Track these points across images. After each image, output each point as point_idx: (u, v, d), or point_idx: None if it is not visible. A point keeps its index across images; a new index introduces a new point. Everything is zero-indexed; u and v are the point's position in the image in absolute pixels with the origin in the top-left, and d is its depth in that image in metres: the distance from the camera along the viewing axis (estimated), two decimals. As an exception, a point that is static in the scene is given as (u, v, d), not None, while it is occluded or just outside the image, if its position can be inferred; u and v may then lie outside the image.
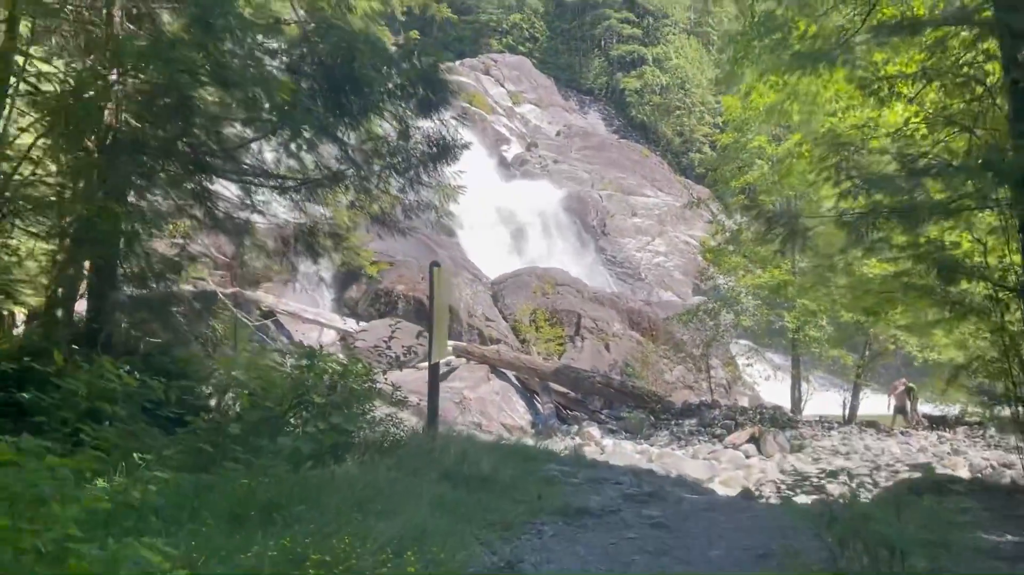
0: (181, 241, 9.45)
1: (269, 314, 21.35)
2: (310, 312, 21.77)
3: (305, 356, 5.59)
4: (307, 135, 7.12)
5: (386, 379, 7.62)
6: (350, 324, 22.42)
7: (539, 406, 20.58)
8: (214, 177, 8.19)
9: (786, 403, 21.60)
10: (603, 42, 67.06)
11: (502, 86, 60.59)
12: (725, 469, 14.50)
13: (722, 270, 19.73)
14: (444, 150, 7.83)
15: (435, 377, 6.79)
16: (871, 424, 18.29)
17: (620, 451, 16.17)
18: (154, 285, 8.02)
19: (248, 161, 7.99)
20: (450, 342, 22.27)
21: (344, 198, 8.65)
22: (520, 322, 24.77)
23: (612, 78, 65.76)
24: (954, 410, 18.91)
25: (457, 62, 60.17)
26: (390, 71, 7.03)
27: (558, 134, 56.99)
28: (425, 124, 8.10)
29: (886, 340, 16.89)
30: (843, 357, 16.76)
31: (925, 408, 19.85)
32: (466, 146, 8.69)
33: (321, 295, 26.73)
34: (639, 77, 64.24)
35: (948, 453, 14.64)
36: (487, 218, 39.21)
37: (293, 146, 7.48)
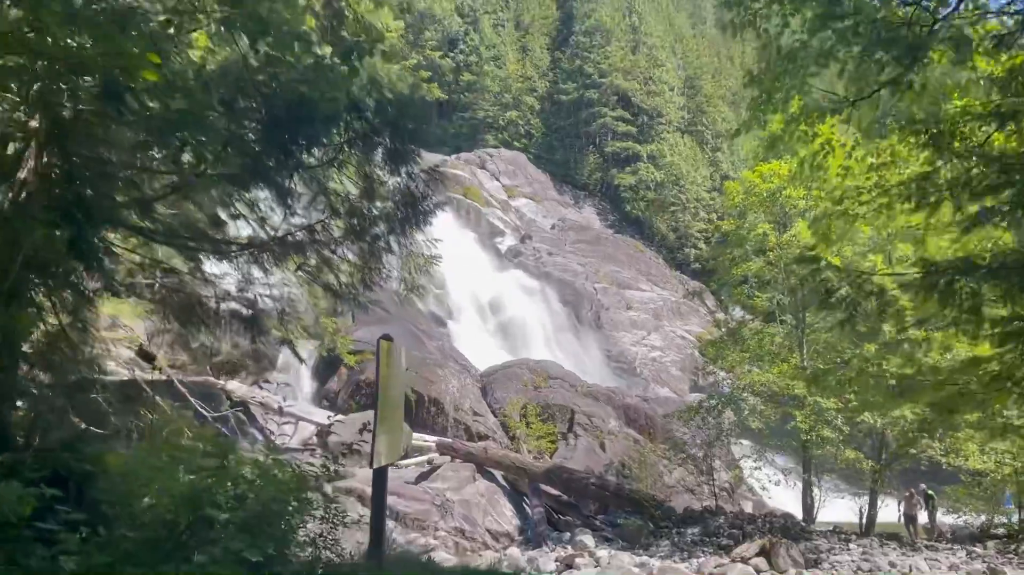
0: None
1: (239, 405, 19.88)
2: (284, 404, 20.31)
3: (215, 454, 4.32)
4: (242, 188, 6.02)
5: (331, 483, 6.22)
6: (326, 417, 20.93)
7: (528, 510, 18.92)
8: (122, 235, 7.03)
9: (796, 510, 20.00)
10: (598, 139, 67.78)
11: (497, 180, 60.74)
12: (735, 588, 12.90)
13: (722, 366, 18.52)
14: (414, 211, 6.72)
15: (381, 487, 5.27)
16: (892, 536, 16.69)
17: (617, 564, 14.53)
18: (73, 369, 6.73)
19: (170, 217, 6.85)
20: (434, 438, 20.82)
21: (292, 267, 7.44)
22: (510, 417, 23.33)
23: (607, 174, 66.16)
24: (976, 519, 17.41)
25: (453, 156, 60.55)
26: (350, 117, 5.98)
27: (553, 227, 56.74)
28: (393, 180, 7.02)
29: (905, 444, 15.56)
30: (860, 461, 15.37)
31: (946, 519, 18.34)
32: (440, 206, 7.57)
33: (300, 386, 25.36)
34: (634, 173, 64.63)
35: (984, 573, 13.08)
36: (479, 309, 38.26)
37: (223, 198, 6.37)
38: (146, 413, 10.17)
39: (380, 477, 4.83)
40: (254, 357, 26.56)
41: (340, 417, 20.96)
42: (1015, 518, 17.56)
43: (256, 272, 7.17)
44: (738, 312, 21.72)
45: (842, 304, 6.72)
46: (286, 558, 3.87)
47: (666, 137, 66.50)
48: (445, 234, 38.76)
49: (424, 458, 18.99)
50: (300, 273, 7.33)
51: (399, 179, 6.73)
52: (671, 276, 54.75)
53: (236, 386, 19.88)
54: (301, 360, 22.94)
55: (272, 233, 6.89)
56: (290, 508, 4.18)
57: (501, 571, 8.46)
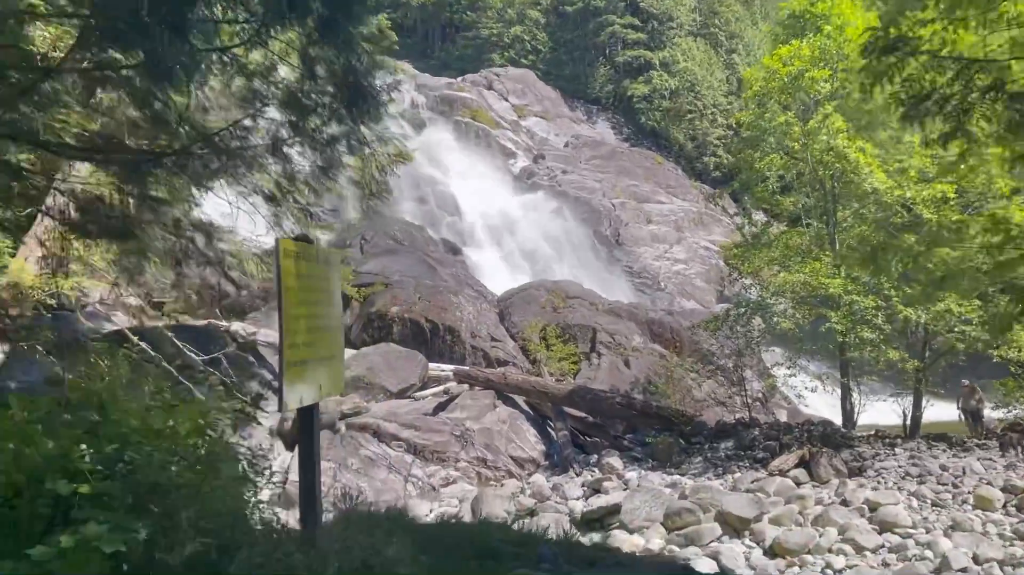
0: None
1: (246, 346, 19.15)
2: (292, 342, 19.53)
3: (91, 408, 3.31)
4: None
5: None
6: (339, 353, 20.16)
7: (553, 434, 18.18)
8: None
9: (834, 417, 19.08)
10: (607, 49, 65.10)
11: (506, 100, 58.69)
12: (774, 503, 12.05)
13: (747, 270, 17.31)
14: (361, 96, 5.51)
15: (309, 433, 3.65)
16: (940, 437, 15.72)
17: (647, 485, 13.74)
18: None
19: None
20: (450, 367, 20.03)
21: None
22: (529, 340, 22.45)
23: (619, 86, 63.69)
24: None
25: (459, 78, 58.47)
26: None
27: (566, 145, 54.90)
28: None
29: (952, 337, 14.41)
30: (903, 360, 14.27)
31: (994, 414, 17.29)
32: (395, 86, 6.38)
33: (312, 323, 24.58)
34: (647, 83, 62.10)
35: (1046, 471, 12.13)
36: (494, 234, 37.16)
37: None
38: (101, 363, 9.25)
39: (307, 419, 3.64)
40: (262, 297, 25.88)
41: (353, 352, 20.18)
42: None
43: (194, 191, 6.05)
44: (761, 218, 20.39)
45: (943, 106, 4.91)
46: (177, 540, 2.88)
47: (678, 42, 63.63)
48: (454, 159, 37.58)
49: (441, 388, 18.22)
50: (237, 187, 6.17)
51: (336, 58, 5.42)
52: (691, 187, 52.95)
53: (240, 327, 19.07)
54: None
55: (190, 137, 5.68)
56: (189, 474, 3.16)
57: (491, 522, 7.48)
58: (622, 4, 63.66)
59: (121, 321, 23.89)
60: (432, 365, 20.13)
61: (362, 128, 5.90)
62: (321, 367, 3.73)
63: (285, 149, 5.98)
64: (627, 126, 63.53)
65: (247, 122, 5.37)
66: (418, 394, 18.34)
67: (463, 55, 68.03)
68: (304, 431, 3.73)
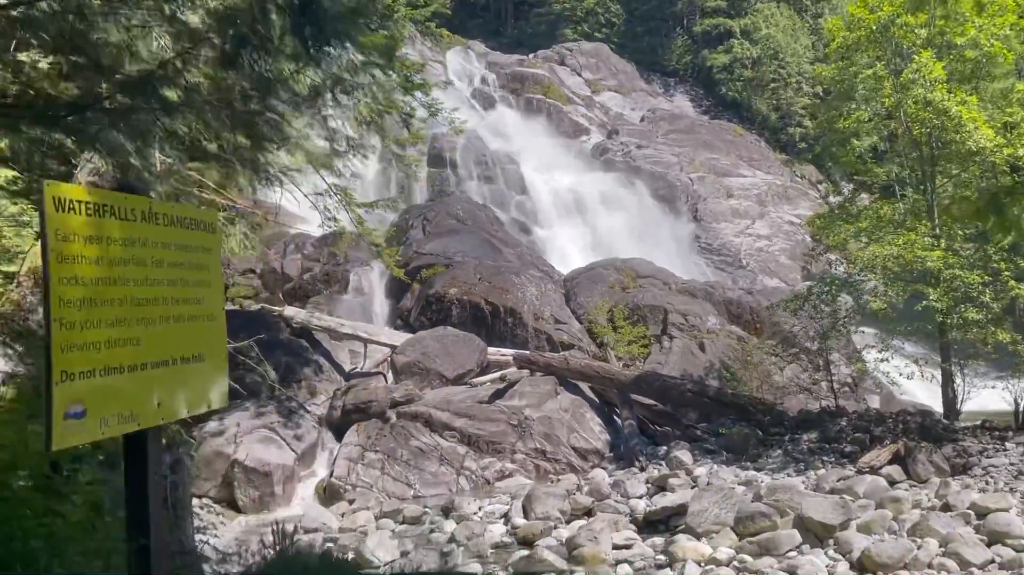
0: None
1: (302, 331, 18.61)
2: (347, 325, 18.88)
3: None
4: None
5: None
6: (397, 336, 19.41)
7: (619, 423, 17.00)
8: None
9: (934, 404, 17.25)
10: (685, 19, 62.49)
11: (579, 75, 57.05)
12: (864, 507, 10.59)
13: (833, 243, 15.59)
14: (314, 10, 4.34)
15: (141, 472, 2.53)
16: (1057, 429, 13.83)
17: (718, 483, 12.43)
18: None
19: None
20: (510, 351, 19.02)
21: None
22: (596, 322, 21.23)
23: (697, 56, 61.05)
24: None
25: (530, 55, 57.16)
26: None
27: (642, 120, 52.91)
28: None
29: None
30: (1014, 342, 12.45)
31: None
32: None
33: (372, 307, 24.02)
34: (727, 52, 59.26)
35: None
36: (565, 212, 35.94)
37: None
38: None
39: (136, 452, 2.47)
40: (325, 280, 25.46)
41: (410, 336, 19.41)
42: None
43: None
44: (849, 187, 18.48)
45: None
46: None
47: (760, 8, 60.45)
48: (524, 137, 36.48)
49: (498, 374, 17.23)
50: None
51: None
52: (776, 159, 50.28)
53: (294, 312, 18.55)
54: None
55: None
56: None
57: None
58: (700, -30, 60.90)
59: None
60: (492, 349, 19.17)
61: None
62: (167, 375, 2.71)
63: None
64: (707, 98, 60.90)
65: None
66: (475, 380, 17.41)
67: (536, 31, 66.48)
68: (133, 468, 2.66)
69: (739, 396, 16.46)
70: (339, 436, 15.42)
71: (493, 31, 70.28)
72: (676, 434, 16.82)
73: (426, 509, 12.57)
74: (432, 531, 11.51)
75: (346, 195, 13.60)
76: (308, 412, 15.91)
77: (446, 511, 12.26)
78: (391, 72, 11.24)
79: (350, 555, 10.41)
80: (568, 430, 16.20)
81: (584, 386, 18.04)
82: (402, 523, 12.10)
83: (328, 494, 13.89)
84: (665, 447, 15.58)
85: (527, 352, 18.27)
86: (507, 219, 32.98)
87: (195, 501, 13.98)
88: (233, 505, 13.91)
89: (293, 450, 14.63)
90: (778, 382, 18.18)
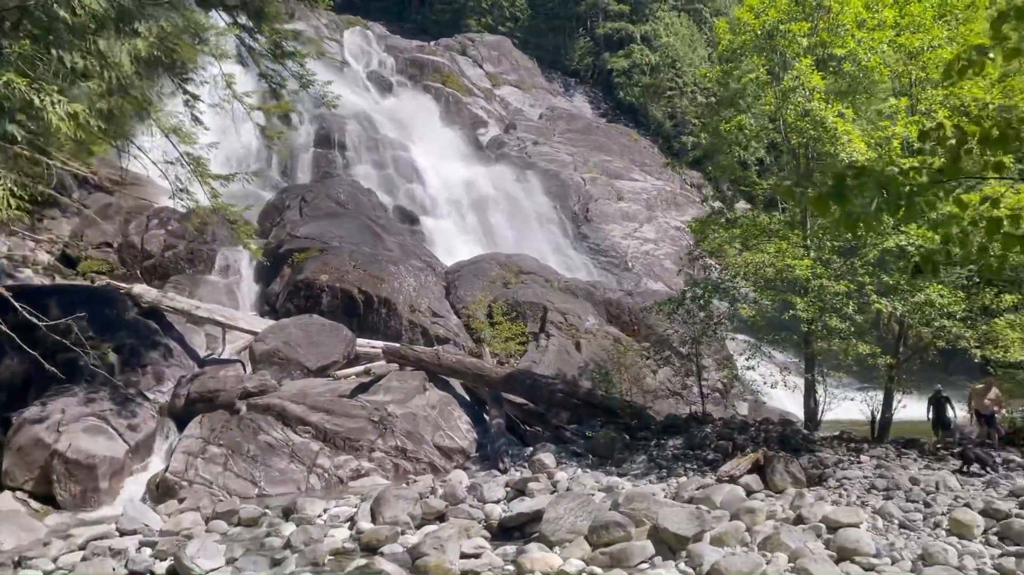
0: None
1: (153, 312, 17.13)
2: (203, 308, 17.54)
3: None
4: None
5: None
6: (258, 323, 18.20)
7: (489, 422, 16.41)
8: None
9: (800, 411, 17.49)
10: (588, 20, 62.86)
11: (480, 67, 56.42)
12: (719, 518, 10.34)
13: (708, 248, 15.52)
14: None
15: None
16: (911, 443, 14.12)
17: (579, 488, 12.01)
18: None
19: None
20: (380, 343, 18.17)
21: None
22: (474, 317, 20.63)
23: (598, 58, 61.55)
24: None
25: (431, 42, 56.10)
26: None
27: (540, 117, 52.81)
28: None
29: (929, 333, 12.77)
30: (874, 354, 12.59)
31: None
32: None
33: (240, 290, 22.61)
34: (627, 56, 60.01)
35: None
36: (456, 203, 35.21)
37: None
38: None
39: None
40: (188, 259, 23.82)
41: (273, 323, 18.22)
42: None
43: None
44: (741, 205, 18.52)
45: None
46: None
47: (661, 16, 61.50)
48: (420, 124, 35.35)
49: (362, 368, 16.32)
50: None
51: None
52: (670, 168, 51.08)
53: (144, 290, 17.04)
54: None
55: None
56: None
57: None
58: (605, -27, 61.36)
59: (24, 277, 21.75)
60: (361, 341, 18.25)
61: None
62: None
63: None
64: (605, 101, 61.53)
65: None
66: (339, 373, 16.46)
67: (439, 19, 65.40)
68: None
69: (609, 398, 16.18)
70: (182, 427, 14.17)
71: (396, 15, 68.68)
72: (546, 435, 16.39)
73: (266, 510, 11.58)
74: (268, 535, 10.55)
75: (198, 165, 12.44)
76: (148, 400, 14.58)
77: (287, 513, 11.31)
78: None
79: (167, 562, 9.37)
80: (433, 428, 15.48)
81: (456, 383, 17.39)
82: (236, 525, 11.08)
83: (162, 491, 12.68)
84: (532, 448, 15.12)
85: (397, 345, 17.45)
86: (393, 207, 31.97)
87: (7, 494, 12.51)
88: (52, 500, 12.52)
89: (126, 441, 13.30)
90: (650, 385, 18.06)
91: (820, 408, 15.03)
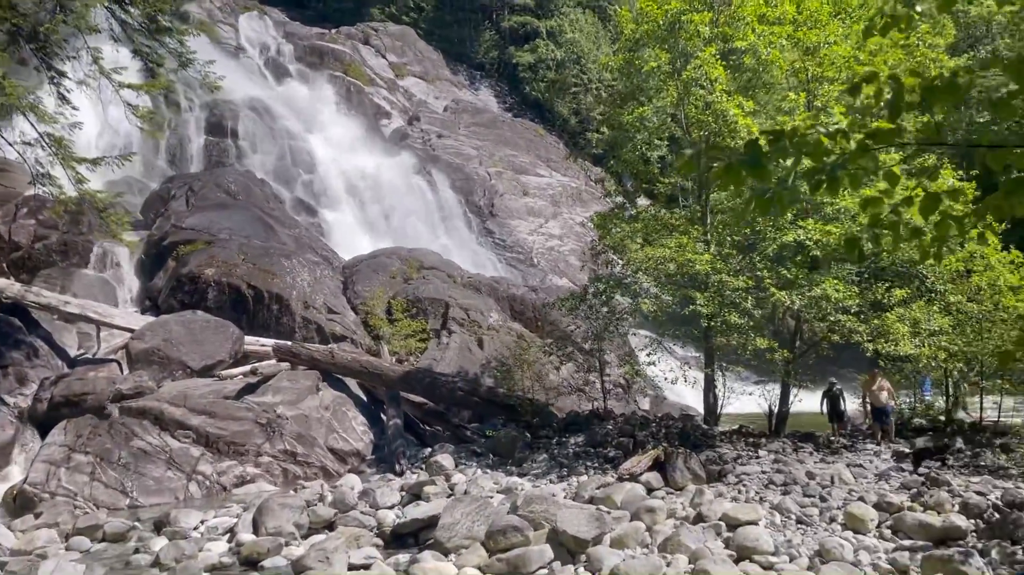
0: None
1: (15, 308, 15.67)
2: (73, 304, 16.18)
3: None
4: None
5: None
6: (136, 320, 16.93)
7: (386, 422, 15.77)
8: None
9: (699, 407, 17.56)
10: (494, 13, 62.45)
11: (383, 57, 55.17)
12: (620, 518, 10.07)
13: (610, 243, 15.29)
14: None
15: None
16: (807, 437, 14.28)
17: (476, 491, 11.55)
18: None
19: None
20: (271, 341, 17.24)
21: None
22: (373, 314, 19.87)
23: (504, 52, 61.20)
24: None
25: (333, 30, 54.48)
26: None
27: (445, 110, 52.04)
28: None
29: (824, 327, 12.90)
30: (772, 349, 12.60)
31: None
32: None
33: (121, 285, 21.10)
34: (532, 51, 59.91)
35: (923, 484, 10.64)
36: (356, 196, 34.20)
37: None
38: None
39: None
40: (62, 252, 22.09)
41: (151, 319, 17.00)
42: (937, 407, 15.49)
43: None
44: (642, 201, 18.40)
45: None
46: None
47: (567, 12, 61.73)
48: (319, 114, 34.03)
49: (248, 368, 15.39)
50: None
51: None
52: (572, 162, 51.27)
53: (5, 284, 15.58)
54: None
55: None
56: None
57: None
58: (510, -33, 61.05)
59: None
60: (250, 339, 17.27)
61: None
62: None
63: None
64: (511, 95, 61.27)
65: None
66: (224, 373, 15.48)
67: (341, 7, 63.62)
68: None
69: (510, 396, 15.79)
70: (45, 434, 12.95)
71: (295, 2, 66.53)
72: (446, 435, 15.91)
73: (136, 523, 10.63)
74: (136, 551, 9.64)
75: (60, 146, 11.29)
76: (7, 405, 13.26)
77: (159, 526, 10.40)
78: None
79: (14, 588, 8.37)
80: (327, 430, 14.74)
81: (353, 383, 16.66)
82: (101, 541, 10.10)
83: (19, 504, 11.52)
84: (431, 449, 14.57)
85: (289, 343, 16.55)
86: (291, 198, 30.75)
87: None
88: None
89: (-22, 451, 12.04)
90: (553, 382, 17.77)
91: (720, 403, 15.05)
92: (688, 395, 22.19)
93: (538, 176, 45.79)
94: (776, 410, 14.83)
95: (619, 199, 17.10)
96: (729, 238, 13.51)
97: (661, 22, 12.97)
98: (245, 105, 34.32)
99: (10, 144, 11.41)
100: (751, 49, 12.77)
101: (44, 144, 11.34)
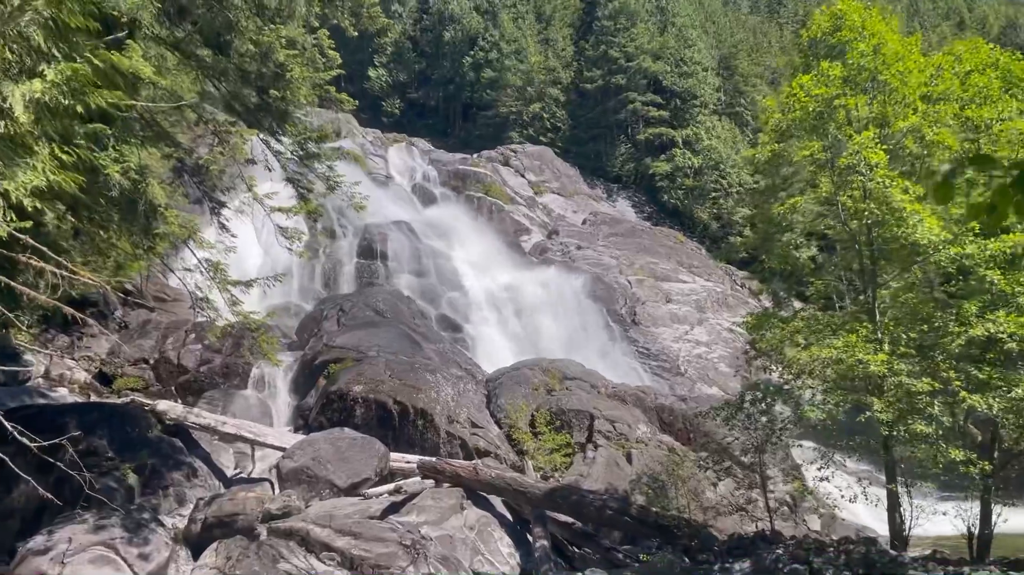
0: None
1: (175, 430, 16.31)
2: (230, 424, 16.66)
3: None
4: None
5: None
6: (288, 438, 17.21)
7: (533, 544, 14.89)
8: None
9: (878, 525, 15.62)
10: (629, 127, 63.63)
11: (522, 176, 57.04)
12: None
13: (765, 347, 14.15)
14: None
15: None
16: (1017, 564, 12.18)
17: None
18: None
19: None
20: (415, 457, 16.98)
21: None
22: (516, 427, 19.35)
23: (640, 163, 61.91)
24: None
25: (475, 155, 57.06)
26: None
27: (584, 222, 52.68)
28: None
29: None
30: (969, 461, 10.93)
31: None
32: None
33: (275, 405, 21.79)
34: (669, 161, 60.25)
35: None
36: (498, 311, 34.47)
37: None
38: None
39: None
40: (224, 374, 23.18)
41: (302, 438, 17.22)
42: None
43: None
44: (796, 304, 17.24)
45: None
46: None
47: (702, 120, 61.99)
48: (462, 233, 35.16)
49: (392, 486, 15.10)
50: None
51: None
52: (715, 266, 50.02)
53: (168, 406, 16.28)
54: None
55: None
56: None
57: None
58: (643, 82, 62.40)
59: (57, 395, 21.28)
60: (395, 455, 17.09)
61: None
62: None
63: None
64: (648, 204, 61.45)
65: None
66: (370, 491, 15.26)
67: (483, 134, 67.04)
68: None
69: (664, 516, 14.58)
70: (198, 555, 13.02)
71: (441, 132, 70.78)
72: (595, 558, 14.81)
73: (278, 654, 10.24)
74: None
75: (217, 270, 11.80)
76: (163, 526, 13.50)
77: (301, 658, 9.95)
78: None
79: None
80: (472, 552, 14.05)
81: (497, 501, 15.99)
82: (243, 673, 9.75)
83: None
84: (580, 573, 13.53)
85: (433, 459, 16.20)
86: (436, 315, 31.33)
87: (2, 637, 11.42)
88: (50, 643, 11.36)
89: (135, 573, 12.17)
90: (710, 500, 16.38)
91: (908, 523, 13.22)
92: (864, 514, 19.95)
93: (680, 282, 44.82)
94: (977, 532, 12.82)
95: (769, 303, 16.02)
96: (905, 335, 12.14)
97: (811, 108, 12.28)
98: (393, 228, 35.94)
99: (171, 270, 12.06)
100: (913, 131, 11.80)
101: (203, 270, 11.90)
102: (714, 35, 70.77)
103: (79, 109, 4.88)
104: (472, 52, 68.55)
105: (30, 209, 5.21)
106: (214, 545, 12.77)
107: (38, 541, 12.12)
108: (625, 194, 62.21)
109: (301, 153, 12.67)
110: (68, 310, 8.99)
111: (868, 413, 11.46)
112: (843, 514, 18.50)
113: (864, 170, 11.35)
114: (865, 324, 12.54)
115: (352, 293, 28.33)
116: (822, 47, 12.99)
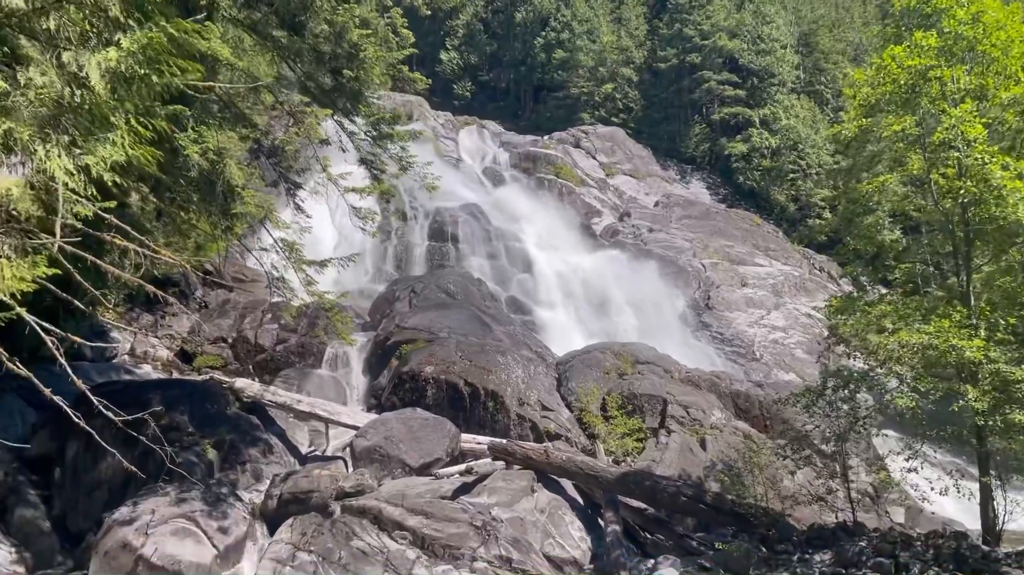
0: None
1: (253, 407, 16.69)
2: (305, 402, 16.96)
3: None
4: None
5: None
6: (361, 417, 17.44)
7: (604, 528, 14.75)
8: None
9: (967, 520, 14.92)
10: (704, 107, 62.16)
11: (594, 158, 56.37)
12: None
13: (848, 332, 13.53)
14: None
15: None
16: None
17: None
18: None
19: None
20: (486, 438, 16.99)
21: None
22: (587, 411, 19.17)
23: (715, 144, 60.42)
24: None
25: (545, 136, 56.69)
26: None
27: (656, 204, 51.77)
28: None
29: None
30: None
31: None
32: None
33: (349, 383, 22.13)
34: (745, 141, 58.59)
35: None
36: (569, 293, 34.22)
37: None
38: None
39: None
40: (299, 353, 23.65)
41: (374, 417, 17.41)
42: None
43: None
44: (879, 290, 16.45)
45: None
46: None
47: (780, 99, 60.00)
48: (533, 216, 34.94)
49: (463, 466, 15.13)
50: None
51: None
52: (793, 250, 48.55)
53: (245, 384, 16.66)
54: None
55: None
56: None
57: None
58: (719, 61, 60.77)
59: (142, 372, 22.09)
60: (466, 436, 17.14)
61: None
62: None
63: None
64: (723, 186, 59.98)
65: None
66: (441, 471, 15.32)
67: (554, 115, 66.53)
68: None
69: (741, 504, 14.22)
70: (274, 530, 13.31)
71: (512, 114, 70.57)
72: (668, 545, 14.59)
73: (352, 629, 10.37)
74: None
75: (292, 251, 11.95)
76: (242, 501, 13.83)
77: (374, 633, 10.06)
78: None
79: None
80: (543, 535, 14.00)
81: (568, 484, 15.88)
82: (318, 647, 9.91)
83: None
84: (654, 561, 13.32)
85: (503, 441, 16.17)
86: (506, 297, 31.31)
87: (93, 601, 11.90)
88: (139, 608, 11.78)
89: (215, 545, 12.50)
90: (788, 489, 15.90)
91: (1002, 518, 12.55)
92: (950, 508, 19.10)
93: (757, 266, 43.64)
94: (1079, 530, 12.09)
95: (850, 288, 15.36)
96: (1003, 321, 11.45)
97: (903, 81, 11.62)
98: (464, 211, 36.02)
99: (249, 251, 12.27)
100: (1015, 103, 11.05)
101: (278, 250, 12.07)
102: (793, 11, 68.29)
103: (156, 84, 4.91)
104: (544, 33, 67.99)
105: (111, 185, 5.29)
106: (289, 521, 13.02)
107: (123, 512, 12.57)
108: (699, 175, 60.89)
109: (374, 134, 12.70)
110: (151, 289, 9.21)
111: (961, 402, 10.86)
112: (930, 508, 17.77)
113: (960, 145, 10.70)
114: (959, 309, 11.87)
115: (423, 275, 28.53)
116: (915, 16, 12.26)
